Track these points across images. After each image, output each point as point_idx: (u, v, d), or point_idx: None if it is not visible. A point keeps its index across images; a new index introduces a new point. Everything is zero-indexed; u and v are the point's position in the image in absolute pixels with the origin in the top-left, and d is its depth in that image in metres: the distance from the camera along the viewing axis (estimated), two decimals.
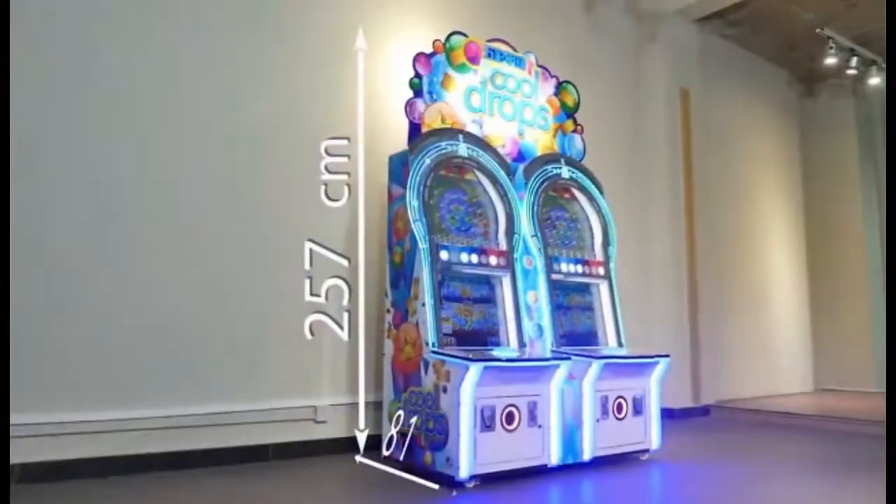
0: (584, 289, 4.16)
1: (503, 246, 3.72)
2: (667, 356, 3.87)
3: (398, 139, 3.80)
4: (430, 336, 3.29)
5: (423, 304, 3.34)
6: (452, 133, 3.71)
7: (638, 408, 3.80)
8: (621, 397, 3.73)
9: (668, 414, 5.75)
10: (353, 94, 3.62)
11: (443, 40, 3.85)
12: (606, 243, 4.22)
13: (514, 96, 4.10)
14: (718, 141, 6.74)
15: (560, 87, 4.38)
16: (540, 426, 3.35)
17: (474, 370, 3.03)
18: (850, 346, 7.64)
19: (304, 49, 4.06)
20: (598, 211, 4.25)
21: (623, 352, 3.85)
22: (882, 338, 7.62)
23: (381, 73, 4.24)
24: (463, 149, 3.70)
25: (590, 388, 3.56)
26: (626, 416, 3.74)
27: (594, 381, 3.56)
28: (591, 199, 4.25)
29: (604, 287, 4.16)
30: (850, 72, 6.67)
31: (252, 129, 3.82)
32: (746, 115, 7.32)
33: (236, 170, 3.75)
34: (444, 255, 3.46)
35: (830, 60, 6.47)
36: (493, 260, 3.64)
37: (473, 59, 3.92)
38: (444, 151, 3.62)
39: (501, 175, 3.81)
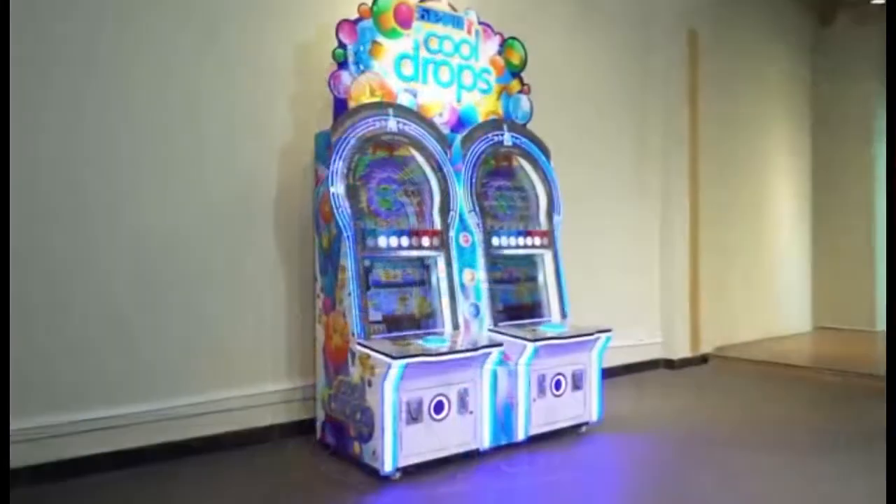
0: (528, 260, 4.07)
1: (438, 224, 3.60)
2: (608, 331, 3.81)
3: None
4: (355, 326, 3.22)
5: (349, 294, 3.25)
6: (381, 107, 3.49)
7: (578, 382, 3.79)
8: (560, 374, 3.71)
9: (667, 365, 5.81)
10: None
11: (369, 4, 3.57)
12: (551, 210, 4.09)
13: (452, 60, 3.85)
14: (727, 82, 6.45)
15: (504, 45, 4.11)
16: (471, 412, 3.33)
17: (396, 368, 2.98)
18: (850, 285, 7.63)
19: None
20: (544, 177, 4.09)
21: (563, 328, 3.78)
22: (882, 278, 7.56)
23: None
24: (393, 123, 3.51)
25: (525, 369, 3.53)
26: (564, 392, 3.72)
27: (529, 363, 3.52)
28: (535, 165, 4.08)
29: (548, 257, 4.06)
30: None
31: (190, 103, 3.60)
32: (757, 52, 6.97)
33: (170, 155, 3.55)
34: (370, 241, 3.34)
35: None
36: (425, 241, 3.52)
37: (404, 23, 3.65)
38: (371, 128, 3.43)
39: (437, 149, 3.63)
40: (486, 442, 3.38)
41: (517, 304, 3.95)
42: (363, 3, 3.56)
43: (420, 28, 3.71)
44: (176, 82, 3.49)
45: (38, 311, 3.09)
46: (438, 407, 3.22)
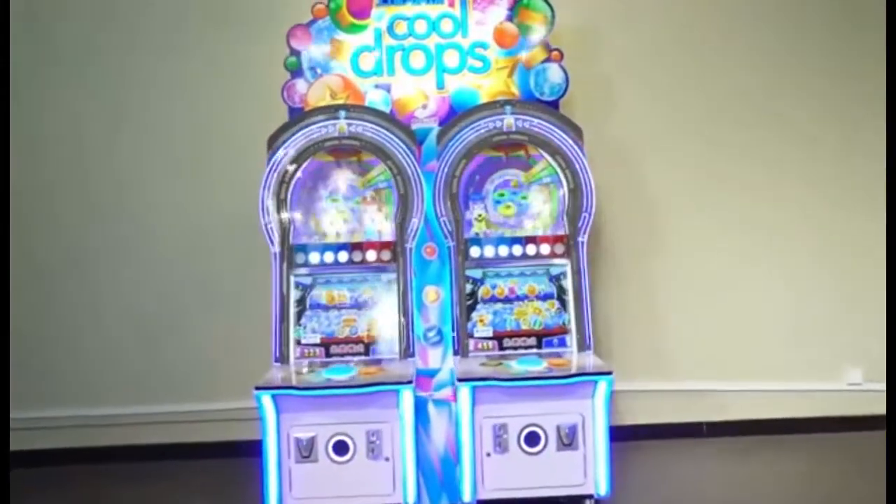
0: (541, 273, 3.20)
1: (394, 235, 3.13)
2: (607, 373, 2.74)
3: None
4: (274, 349, 3.04)
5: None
6: (328, 111, 3.20)
7: (568, 440, 2.82)
8: (535, 426, 2.82)
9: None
10: None
11: (325, 2, 3.29)
12: (577, 210, 3.14)
13: (427, 41, 3.28)
14: None
15: (516, 7, 3.31)
16: (387, 459, 2.80)
17: (265, 400, 2.72)
18: None
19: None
20: (567, 167, 3.17)
21: (540, 363, 2.85)
22: None
23: None
24: (343, 126, 3.18)
25: (468, 414, 2.80)
26: (542, 449, 2.81)
27: (471, 407, 2.78)
28: (553, 152, 3.19)
29: (568, 270, 3.13)
30: None
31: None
32: None
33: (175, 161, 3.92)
34: (299, 257, 3.10)
35: None
36: (370, 255, 3.10)
37: (360, 13, 3.26)
38: (313, 136, 3.18)
39: (399, 148, 3.16)
40: (409, 497, 2.80)
41: (516, 329, 3.14)
42: (318, 3, 3.30)
43: (382, 14, 3.28)
44: (181, 90, 3.86)
45: (56, 310, 3.80)
46: (340, 447, 2.80)
